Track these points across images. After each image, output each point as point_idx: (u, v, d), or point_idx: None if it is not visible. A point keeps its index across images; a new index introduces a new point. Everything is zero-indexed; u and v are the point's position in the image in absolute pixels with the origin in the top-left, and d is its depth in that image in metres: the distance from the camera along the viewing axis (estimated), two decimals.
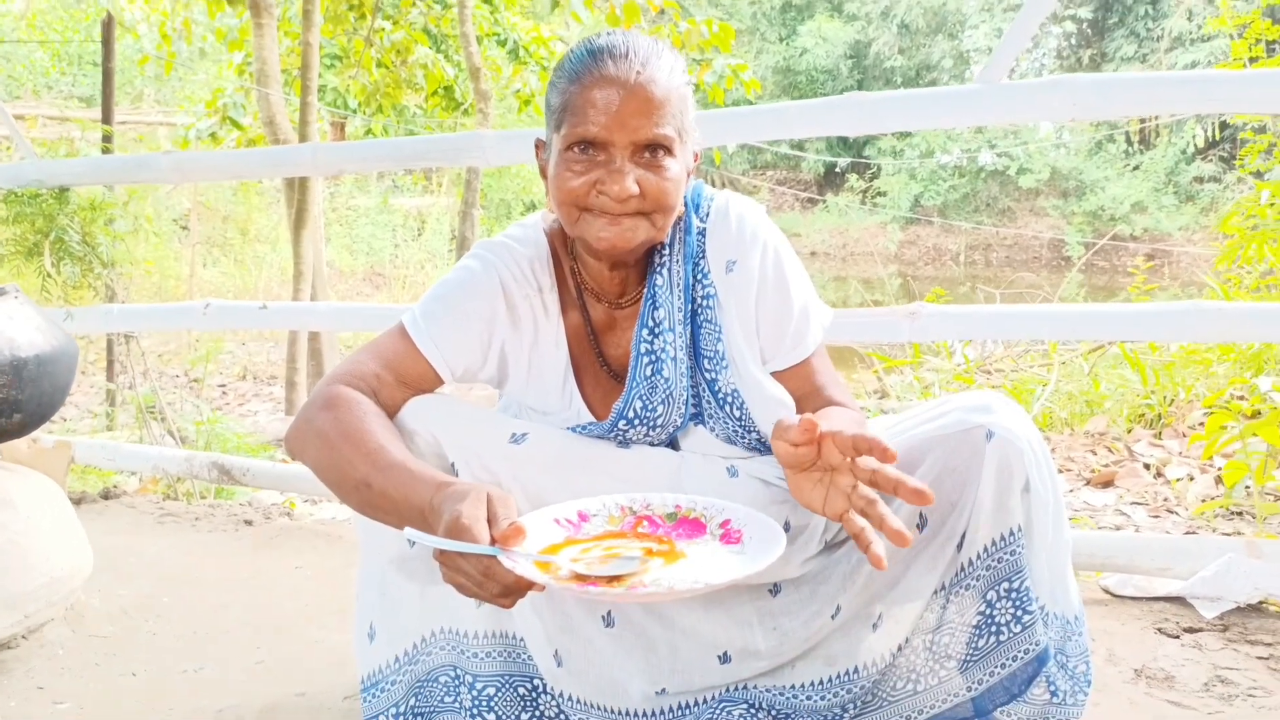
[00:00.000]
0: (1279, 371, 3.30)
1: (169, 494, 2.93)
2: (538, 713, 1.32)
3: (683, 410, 1.32)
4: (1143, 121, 17.80)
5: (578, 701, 1.31)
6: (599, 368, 1.35)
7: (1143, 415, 3.61)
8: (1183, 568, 1.84)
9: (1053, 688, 1.32)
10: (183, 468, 2.81)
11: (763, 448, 1.35)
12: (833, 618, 1.31)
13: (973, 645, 1.28)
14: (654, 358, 1.30)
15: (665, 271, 1.31)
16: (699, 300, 1.32)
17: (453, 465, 1.24)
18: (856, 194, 21.20)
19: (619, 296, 1.34)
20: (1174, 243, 16.28)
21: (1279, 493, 2.62)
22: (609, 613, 1.31)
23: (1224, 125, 15.78)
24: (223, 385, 6.56)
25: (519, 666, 1.32)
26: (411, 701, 1.31)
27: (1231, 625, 1.71)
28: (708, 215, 1.33)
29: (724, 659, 1.32)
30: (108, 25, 4.38)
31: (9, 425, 1.74)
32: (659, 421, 1.31)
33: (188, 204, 8.92)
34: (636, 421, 1.31)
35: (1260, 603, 1.78)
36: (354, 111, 9.72)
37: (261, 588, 2.08)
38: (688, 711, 1.33)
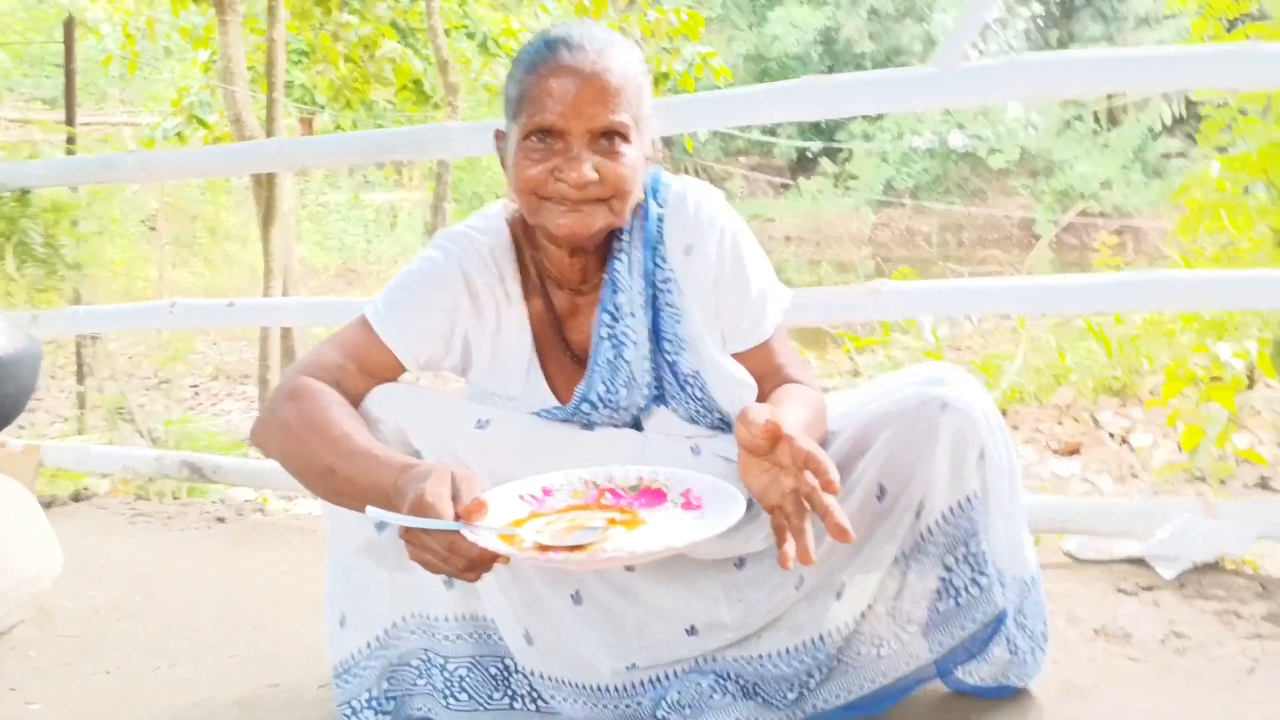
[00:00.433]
0: (1240, 338, 3.36)
1: (141, 494, 2.91)
2: (509, 691, 1.34)
3: (645, 393, 1.34)
4: (1110, 99, 17.96)
5: (549, 679, 1.33)
6: (562, 353, 1.37)
7: (1109, 386, 3.67)
8: (1143, 530, 1.88)
9: (1012, 646, 1.36)
10: (153, 467, 2.80)
11: (725, 427, 1.37)
12: (796, 588, 1.34)
13: (933, 609, 1.32)
14: (615, 342, 1.32)
15: (625, 257, 1.33)
16: (659, 285, 1.34)
17: (418, 452, 1.26)
18: (829, 178, 21.25)
19: (580, 283, 1.35)
20: (1142, 219, 16.45)
21: (1240, 456, 2.68)
22: (577, 592, 1.33)
23: (1190, 102, 15.94)
24: (195, 385, 6.52)
25: (490, 647, 1.34)
26: (384, 686, 1.33)
27: (1188, 583, 1.76)
28: (666, 201, 1.35)
29: (691, 632, 1.35)
30: (69, 26, 4.34)
31: None
32: (621, 404, 1.33)
33: (155, 204, 8.83)
34: (600, 404, 1.33)
35: (1217, 561, 1.83)
36: (322, 107, 9.65)
37: (235, 584, 2.09)
38: (658, 684, 1.35)
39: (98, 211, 3.21)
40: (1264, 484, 2.58)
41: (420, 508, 0.98)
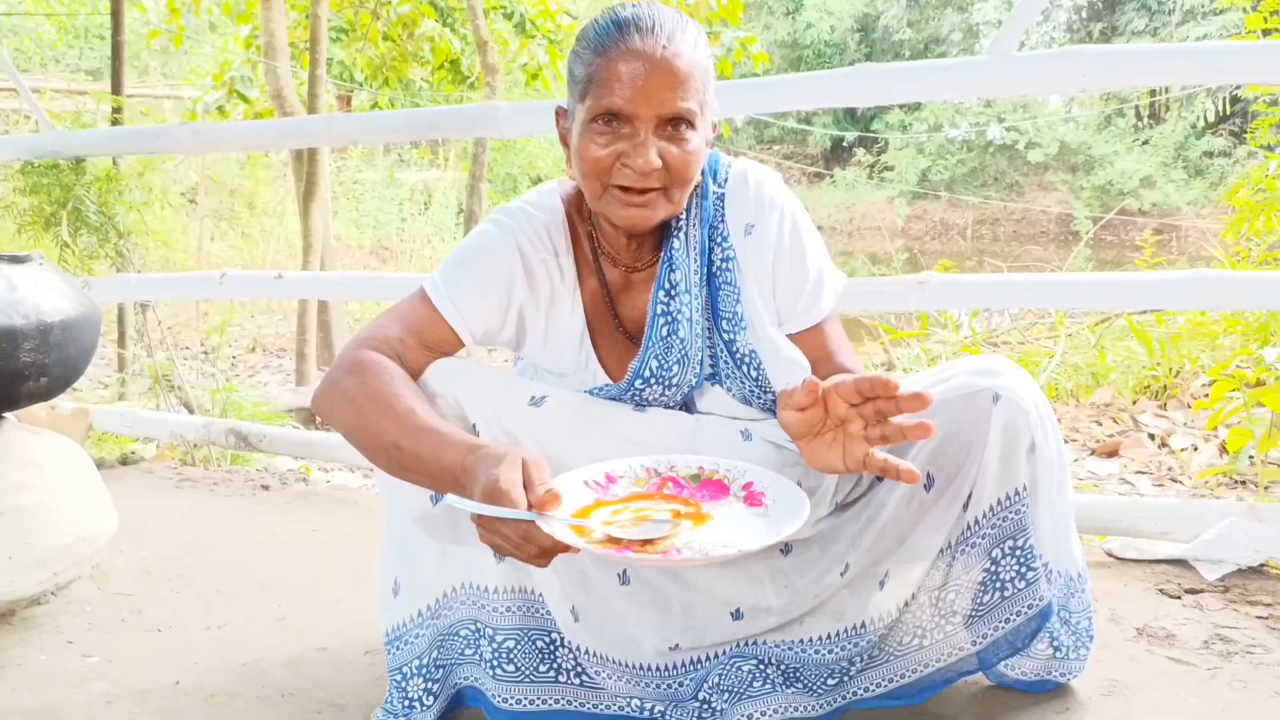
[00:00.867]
0: None
1: (186, 460, 2.97)
2: (555, 665, 1.36)
3: (698, 370, 1.35)
4: (1153, 96, 17.68)
5: (594, 655, 1.35)
6: (614, 330, 1.38)
7: (1148, 387, 3.64)
8: (1185, 531, 1.87)
9: (1056, 642, 1.36)
10: (200, 434, 2.86)
11: (776, 410, 1.38)
12: (841, 575, 1.35)
13: (977, 601, 1.32)
14: (670, 318, 1.33)
15: (682, 236, 1.34)
16: (718, 263, 1.35)
17: (474, 426, 1.28)
18: (864, 168, 21.10)
19: (635, 261, 1.37)
20: (1182, 217, 16.20)
21: None
22: (624, 571, 1.35)
23: (1235, 100, 15.67)
24: (233, 357, 6.61)
25: (538, 621, 1.36)
26: (434, 654, 1.36)
27: (1232, 587, 1.75)
28: (725, 181, 1.36)
29: (736, 615, 1.36)
30: None
31: (35, 389, 1.78)
32: (674, 381, 1.35)
33: (195, 177, 8.93)
34: (653, 381, 1.34)
35: (1261, 565, 1.81)
36: (360, 85, 9.70)
37: (280, 550, 2.13)
38: (699, 666, 1.37)
39: (147, 182, 3.26)
40: None
41: (495, 495, 1.00)
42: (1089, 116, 19.45)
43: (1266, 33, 4.71)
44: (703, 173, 1.35)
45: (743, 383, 1.35)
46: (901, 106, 20.17)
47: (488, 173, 6.99)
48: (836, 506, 1.38)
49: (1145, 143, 18.72)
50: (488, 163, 6.87)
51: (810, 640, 1.37)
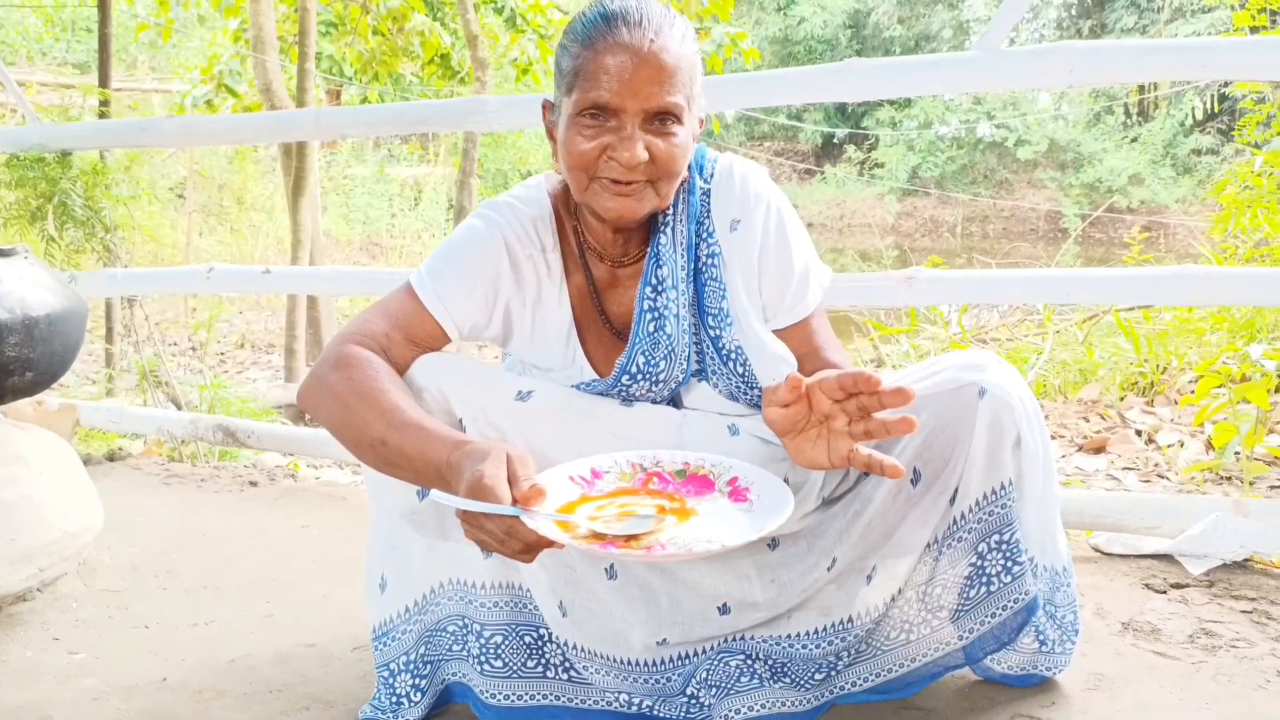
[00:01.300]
0: (1271, 339, 3.34)
1: (173, 456, 2.96)
2: (543, 660, 1.36)
3: (684, 366, 1.35)
4: (1141, 93, 17.75)
5: (581, 650, 1.35)
6: (601, 326, 1.38)
7: (1135, 383, 3.66)
8: (1171, 526, 1.88)
9: (1041, 637, 1.37)
10: (188, 430, 2.84)
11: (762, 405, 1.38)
12: (828, 570, 1.35)
13: (964, 596, 1.32)
14: (657, 314, 1.33)
15: (669, 231, 1.34)
16: (703, 259, 1.35)
17: (460, 421, 1.28)
18: (854, 165, 21.13)
19: (621, 256, 1.37)
20: (1171, 215, 16.28)
21: (1268, 457, 2.67)
22: (611, 565, 1.35)
23: (1223, 98, 15.73)
24: (221, 354, 6.58)
25: (525, 616, 1.36)
26: (421, 650, 1.36)
27: (1217, 581, 1.76)
28: (712, 176, 1.36)
29: (723, 610, 1.36)
30: None
31: (21, 384, 1.76)
32: (661, 377, 1.35)
33: (183, 172, 8.88)
34: (640, 377, 1.34)
35: (1246, 560, 1.83)
36: (349, 79, 9.67)
37: (268, 546, 2.12)
38: (687, 661, 1.37)
39: (134, 176, 3.24)
40: None
41: (479, 490, 1.00)
42: (1078, 114, 19.51)
43: (1254, 29, 4.73)
44: (690, 168, 1.35)
45: (729, 379, 1.35)
46: (891, 103, 20.21)
47: (478, 168, 6.98)
48: (823, 501, 1.38)
49: (1134, 140, 18.79)
50: (478, 158, 6.85)
51: (797, 635, 1.37)
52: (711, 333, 1.34)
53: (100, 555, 2.00)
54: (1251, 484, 2.46)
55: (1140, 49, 1.88)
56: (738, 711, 1.30)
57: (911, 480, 1.31)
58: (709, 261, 1.34)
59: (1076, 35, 20.29)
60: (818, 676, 1.35)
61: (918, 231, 19.16)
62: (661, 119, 1.21)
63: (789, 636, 1.37)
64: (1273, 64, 1.78)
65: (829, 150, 22.50)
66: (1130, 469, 2.89)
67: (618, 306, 1.38)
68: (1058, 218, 17.96)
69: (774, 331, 1.37)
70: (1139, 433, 3.18)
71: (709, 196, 1.35)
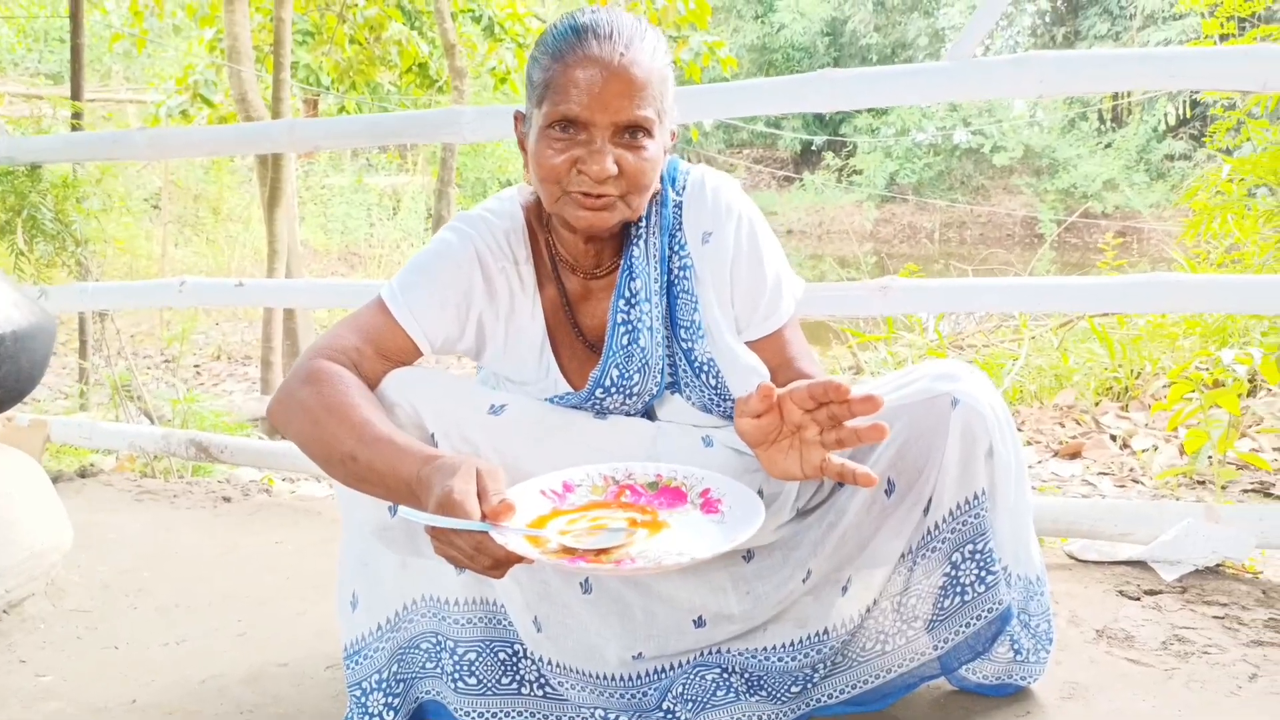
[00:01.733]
0: (1242, 344, 3.37)
1: (146, 472, 2.93)
2: (518, 677, 1.35)
3: (658, 379, 1.35)
4: (1115, 99, 17.94)
5: (557, 666, 1.35)
6: (575, 338, 1.38)
7: (1110, 388, 3.68)
8: (1144, 533, 1.90)
9: (1016, 646, 1.37)
10: (160, 445, 2.81)
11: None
12: (803, 581, 1.35)
13: (938, 606, 1.33)
14: (630, 327, 1.32)
15: (642, 244, 1.34)
16: (675, 271, 1.34)
17: (432, 436, 1.27)
18: (833, 172, 21.24)
19: (594, 268, 1.36)
20: (1145, 219, 16.46)
21: (1240, 461, 2.69)
22: (586, 579, 1.34)
23: (1195, 103, 15.92)
24: (197, 366, 6.52)
25: (499, 632, 1.35)
26: (394, 668, 1.34)
27: (1190, 587, 1.77)
28: (684, 189, 1.36)
29: (699, 623, 1.36)
30: (75, 0, 4.32)
31: None
32: (635, 390, 1.34)
33: (159, 183, 8.82)
34: (613, 390, 1.34)
35: (1218, 565, 1.84)
36: (327, 89, 9.63)
37: (241, 563, 2.10)
38: (663, 675, 1.37)
39: (106, 188, 3.20)
40: (1264, 489, 2.59)
41: (448, 506, 0.99)
42: (1053, 120, 19.71)
43: (1223, 37, 4.79)
44: (662, 180, 1.35)
45: (702, 391, 1.35)
46: (869, 110, 20.33)
47: (457, 177, 6.96)
48: (798, 513, 1.38)
49: (1108, 146, 19.00)
50: (456, 167, 6.83)
51: (774, 648, 1.37)
52: (684, 345, 1.34)
53: (69, 574, 1.97)
54: (1224, 488, 2.48)
55: (1108, 59, 1.90)
56: None
57: (885, 491, 1.32)
58: (681, 274, 1.34)
59: (1050, 41, 20.52)
60: (794, 689, 1.34)
61: (896, 238, 19.27)
62: (632, 132, 1.21)
63: (765, 649, 1.37)
64: (1237, 73, 1.81)
65: (808, 157, 22.61)
66: (1105, 474, 2.91)
67: (591, 319, 1.38)
68: (1034, 223, 18.13)
69: (747, 343, 1.37)
70: (1114, 438, 3.21)
71: (681, 209, 1.35)
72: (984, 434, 1.26)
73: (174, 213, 9.26)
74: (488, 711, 1.33)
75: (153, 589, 1.94)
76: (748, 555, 1.38)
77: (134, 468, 2.96)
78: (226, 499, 2.57)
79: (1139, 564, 1.89)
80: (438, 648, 1.34)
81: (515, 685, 1.35)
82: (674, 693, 1.33)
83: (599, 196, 1.22)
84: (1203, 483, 2.71)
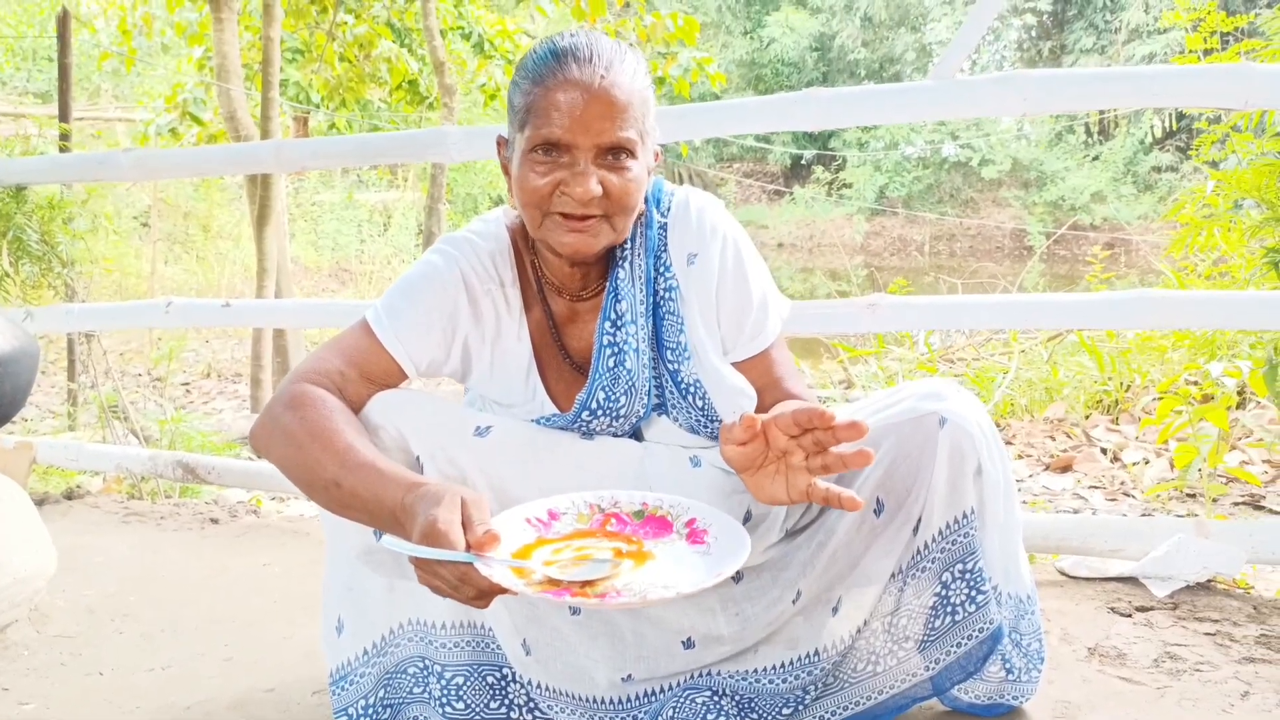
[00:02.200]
0: (1231, 357, 3.38)
1: (133, 493, 2.90)
2: (507, 701, 1.34)
3: (645, 401, 1.34)
4: (1101, 113, 18.08)
5: (546, 689, 1.33)
6: (561, 360, 1.37)
7: (1100, 401, 3.69)
8: (1135, 549, 1.89)
9: (1008, 665, 1.36)
10: (147, 467, 2.79)
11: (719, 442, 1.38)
12: (793, 602, 1.34)
13: (929, 626, 1.32)
14: (616, 349, 1.32)
15: (627, 265, 1.33)
16: (661, 293, 1.34)
17: (418, 459, 1.26)
18: (823, 186, 21.33)
19: (580, 290, 1.36)
20: (1132, 231, 16.56)
21: (1230, 475, 2.70)
22: None
23: (1181, 116, 16.05)
24: (186, 384, 6.49)
25: (488, 656, 1.33)
26: (380, 693, 1.33)
27: (1181, 603, 1.77)
28: (669, 210, 1.36)
29: (688, 645, 1.35)
30: (63, 20, 4.31)
31: None
32: (622, 412, 1.34)
33: (148, 200, 8.80)
34: (600, 412, 1.33)
35: (1209, 581, 1.84)
36: (317, 106, 9.63)
37: (229, 585, 2.08)
38: (653, 698, 1.36)
39: (92, 208, 3.19)
40: (1254, 502, 2.60)
41: (432, 535, 0.98)
42: (1040, 134, 19.86)
43: (1207, 52, 4.83)
44: (647, 201, 1.35)
45: (689, 412, 1.34)
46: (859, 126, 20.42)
47: (447, 193, 6.96)
48: (787, 533, 1.37)
49: (1095, 159, 19.14)
50: (446, 184, 6.83)
51: (764, 670, 1.36)
52: (670, 367, 1.34)
53: (54, 599, 1.95)
54: (1215, 502, 2.48)
55: (1091, 78, 1.91)
56: None
57: (874, 510, 1.31)
58: (666, 295, 1.34)
59: (1037, 56, 20.68)
60: (785, 711, 1.34)
61: (886, 251, 19.35)
62: (615, 154, 1.21)
63: (755, 671, 1.36)
64: (1219, 90, 1.82)
65: (797, 171, 22.71)
66: (1096, 487, 2.91)
67: (577, 341, 1.37)
68: (1023, 235, 18.22)
69: (734, 364, 1.36)
70: (1104, 451, 3.21)
71: (666, 230, 1.35)
72: (972, 452, 1.26)
73: (163, 230, 9.23)
74: None
75: (138, 613, 1.92)
76: (737, 576, 1.37)
77: (121, 489, 2.94)
78: (214, 520, 2.55)
79: (1130, 580, 1.88)
80: (425, 672, 1.33)
81: (504, 709, 1.34)
82: (664, 716, 1.32)
83: (583, 218, 1.22)
84: (1193, 496, 2.71)
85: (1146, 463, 3.01)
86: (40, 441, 2.92)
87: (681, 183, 1.46)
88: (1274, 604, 1.77)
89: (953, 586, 1.31)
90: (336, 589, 1.33)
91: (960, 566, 1.30)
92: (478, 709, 1.33)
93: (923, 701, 1.36)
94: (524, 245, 1.38)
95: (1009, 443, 3.44)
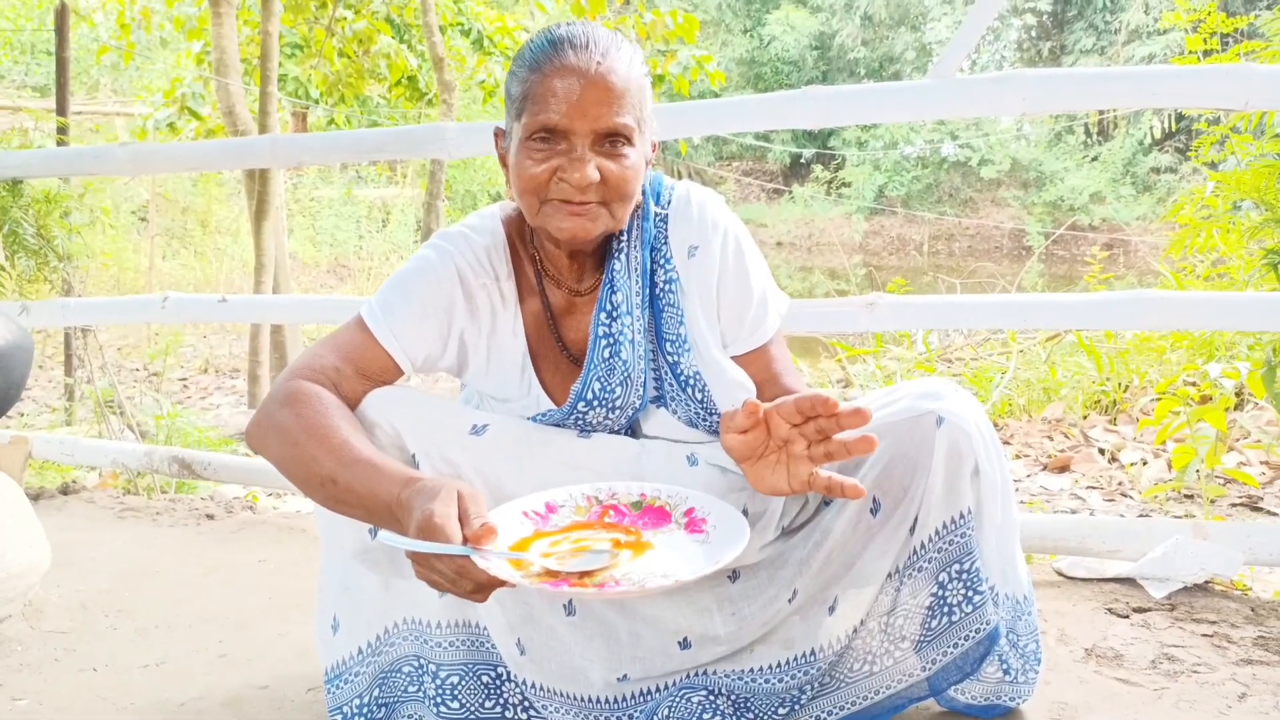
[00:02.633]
0: (1229, 357, 3.38)
1: (129, 489, 2.90)
2: (501, 701, 1.33)
3: (641, 392, 1.34)
4: (1101, 113, 18.09)
5: (541, 689, 1.33)
6: (558, 353, 1.37)
7: (1098, 401, 3.69)
8: (1132, 550, 1.89)
9: (1005, 665, 1.36)
10: (143, 462, 2.78)
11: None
12: (790, 602, 1.34)
13: (926, 626, 1.32)
14: (612, 340, 1.32)
15: (623, 257, 1.33)
16: (660, 285, 1.34)
17: (413, 456, 1.25)
18: (822, 185, 21.32)
19: (577, 282, 1.36)
20: (1131, 232, 16.56)
21: (1228, 476, 2.70)
22: (570, 601, 1.33)
23: (1180, 117, 16.04)
24: (184, 379, 6.48)
25: (482, 655, 1.33)
26: (375, 692, 1.32)
27: (1179, 604, 1.77)
28: (669, 203, 1.36)
29: (684, 645, 1.34)
30: (61, 13, 4.30)
31: None
32: (618, 404, 1.33)
33: (146, 195, 8.78)
34: (595, 403, 1.33)
35: (1206, 582, 1.84)
36: (315, 101, 9.61)
37: (223, 582, 2.07)
38: (648, 698, 1.35)
39: (89, 202, 3.18)
40: (1251, 504, 2.60)
41: (429, 530, 0.97)
42: (1039, 134, 19.86)
43: (1207, 53, 4.83)
44: (645, 193, 1.35)
45: (688, 405, 1.34)
46: (859, 125, 20.42)
47: (446, 190, 6.95)
48: (783, 532, 1.37)
49: (1094, 159, 19.13)
50: (445, 180, 6.82)
51: (760, 669, 1.35)
52: (670, 358, 1.33)
53: (48, 595, 1.95)
54: (1213, 503, 2.48)
55: (1090, 78, 1.90)
56: None
57: (871, 510, 1.31)
58: (666, 287, 1.33)
59: (1037, 56, 20.68)
60: (781, 711, 1.33)
61: (885, 250, 19.34)
62: (612, 140, 1.21)
63: (752, 670, 1.36)
64: (1219, 91, 1.81)
65: (797, 170, 22.70)
66: (1094, 488, 2.91)
67: (575, 333, 1.37)
68: (1021, 235, 18.22)
69: (732, 358, 1.36)
70: (1102, 451, 3.21)
71: (666, 222, 1.35)
72: (969, 452, 1.26)
73: (162, 225, 9.22)
74: None
75: (133, 609, 1.92)
76: (733, 575, 1.37)
77: (117, 484, 2.93)
78: (210, 516, 2.55)
79: (1128, 581, 1.88)
80: (420, 671, 1.32)
81: (499, 709, 1.33)
82: (660, 715, 1.31)
83: (581, 204, 1.21)
84: (1191, 497, 2.71)
85: (1144, 463, 3.01)
86: (36, 436, 2.91)
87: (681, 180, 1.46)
88: (1271, 605, 1.76)
89: (949, 587, 1.30)
90: (332, 587, 1.33)
91: (957, 567, 1.29)
92: (472, 708, 1.32)
93: (919, 702, 1.36)
94: (520, 239, 1.37)
95: (1007, 443, 3.44)
